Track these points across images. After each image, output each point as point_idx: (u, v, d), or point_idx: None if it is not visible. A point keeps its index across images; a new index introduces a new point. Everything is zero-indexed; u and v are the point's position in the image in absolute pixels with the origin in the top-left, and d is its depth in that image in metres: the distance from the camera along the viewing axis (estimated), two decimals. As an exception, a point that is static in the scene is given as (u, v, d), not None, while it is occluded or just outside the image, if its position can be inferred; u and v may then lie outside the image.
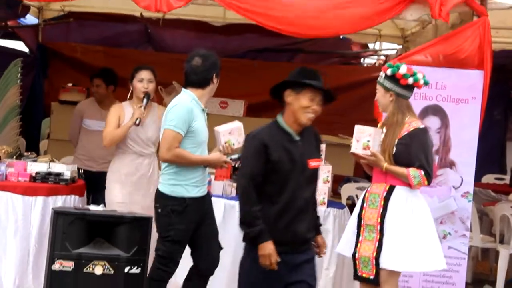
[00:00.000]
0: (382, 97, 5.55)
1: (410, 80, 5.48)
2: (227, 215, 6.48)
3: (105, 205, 6.13)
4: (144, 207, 6.20)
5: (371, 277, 5.42)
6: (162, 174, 5.59)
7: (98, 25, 10.80)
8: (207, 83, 5.57)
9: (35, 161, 6.79)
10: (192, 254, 5.64)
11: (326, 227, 6.43)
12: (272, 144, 4.71)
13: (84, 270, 5.16)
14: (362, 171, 5.78)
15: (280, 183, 4.71)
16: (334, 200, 7.26)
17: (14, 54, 10.27)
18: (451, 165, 6.54)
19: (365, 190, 5.62)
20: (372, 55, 11.73)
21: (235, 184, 6.76)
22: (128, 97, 6.55)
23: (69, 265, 5.16)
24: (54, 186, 6.50)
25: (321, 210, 6.35)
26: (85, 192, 6.92)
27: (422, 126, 5.50)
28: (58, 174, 6.56)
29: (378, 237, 5.39)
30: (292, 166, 4.73)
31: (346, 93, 9.96)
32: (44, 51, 10.50)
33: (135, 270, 5.23)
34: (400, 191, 5.45)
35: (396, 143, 5.43)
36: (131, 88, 6.49)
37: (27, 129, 9.18)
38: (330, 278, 6.71)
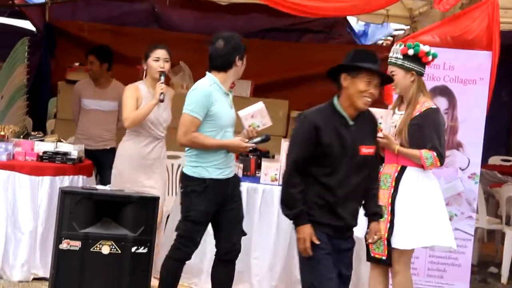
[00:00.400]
0: (402, 79, 5.48)
1: (430, 58, 5.50)
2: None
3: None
4: (159, 189, 6.20)
5: (384, 257, 5.44)
6: (185, 156, 5.57)
7: (105, 4, 10.79)
8: (229, 66, 5.50)
9: (42, 140, 6.79)
10: (214, 236, 5.63)
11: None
12: (325, 127, 4.57)
13: (91, 249, 5.16)
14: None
15: (328, 167, 4.59)
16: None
17: (21, 32, 10.27)
18: (458, 146, 6.51)
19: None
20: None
21: (241, 165, 6.76)
22: (143, 76, 6.35)
23: (76, 245, 5.16)
24: (61, 165, 6.51)
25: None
26: (93, 172, 6.91)
27: (434, 106, 5.48)
28: (65, 154, 6.56)
29: (389, 218, 5.39)
30: (343, 151, 4.58)
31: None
32: (51, 30, 10.45)
33: (142, 250, 5.23)
34: (411, 172, 5.43)
35: (408, 123, 5.41)
36: (144, 67, 6.34)
37: (34, 109, 9.20)
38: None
